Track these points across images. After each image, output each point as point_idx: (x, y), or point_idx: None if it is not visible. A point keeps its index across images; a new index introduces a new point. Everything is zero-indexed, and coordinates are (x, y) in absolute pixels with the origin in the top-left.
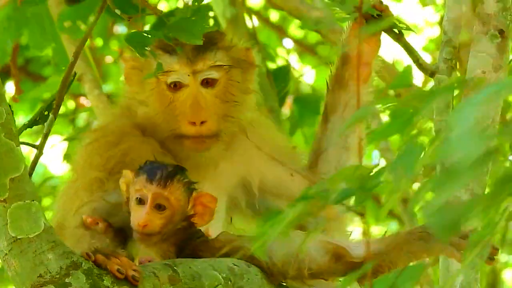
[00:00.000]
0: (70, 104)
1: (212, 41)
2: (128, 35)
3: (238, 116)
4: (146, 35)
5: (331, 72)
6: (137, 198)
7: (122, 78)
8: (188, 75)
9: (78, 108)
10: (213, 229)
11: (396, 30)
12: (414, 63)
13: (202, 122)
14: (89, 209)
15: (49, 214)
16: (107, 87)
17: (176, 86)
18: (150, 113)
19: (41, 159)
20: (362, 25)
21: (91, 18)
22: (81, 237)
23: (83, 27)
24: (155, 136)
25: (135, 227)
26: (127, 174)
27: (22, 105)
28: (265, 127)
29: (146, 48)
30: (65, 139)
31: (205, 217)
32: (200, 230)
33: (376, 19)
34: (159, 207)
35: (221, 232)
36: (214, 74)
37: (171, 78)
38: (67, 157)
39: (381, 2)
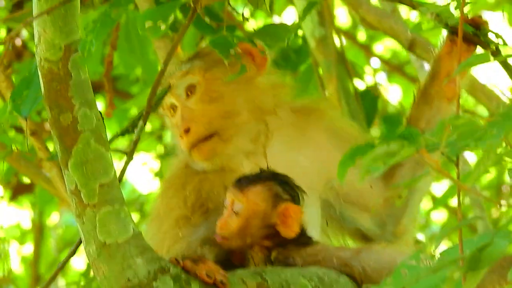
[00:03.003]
0: (157, 122)
1: (189, 57)
2: (214, 39)
3: (236, 107)
4: (231, 39)
5: (419, 86)
6: (224, 203)
7: None
8: (168, 94)
9: (165, 125)
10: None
11: (493, 47)
12: None
13: (186, 131)
14: (184, 246)
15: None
16: None
17: (174, 111)
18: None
19: (129, 178)
20: (456, 44)
21: (171, 18)
22: None
23: (163, 27)
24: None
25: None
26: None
27: (109, 121)
28: (334, 119)
29: (230, 51)
30: (157, 157)
31: (291, 227)
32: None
33: (473, 36)
34: (236, 211)
35: (317, 241)
36: (187, 81)
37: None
38: (160, 174)
39: (480, 17)
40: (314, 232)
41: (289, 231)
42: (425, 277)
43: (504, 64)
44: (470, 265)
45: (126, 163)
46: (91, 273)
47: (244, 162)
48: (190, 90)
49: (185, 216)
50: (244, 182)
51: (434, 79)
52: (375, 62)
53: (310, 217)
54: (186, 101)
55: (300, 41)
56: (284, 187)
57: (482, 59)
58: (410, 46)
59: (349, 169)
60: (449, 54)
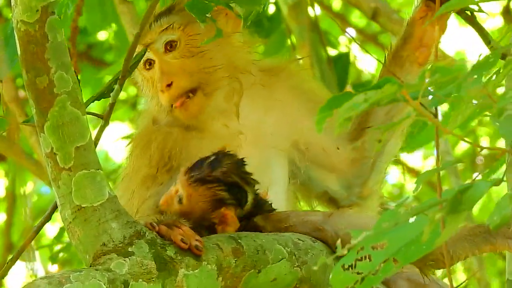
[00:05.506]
0: (131, 90)
1: (165, 11)
2: (189, 3)
3: (215, 63)
4: (207, 2)
5: (390, 48)
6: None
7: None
8: (148, 50)
9: (140, 94)
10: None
11: (468, 12)
12: (486, 46)
13: (168, 86)
14: (150, 205)
15: None
16: None
17: (150, 66)
18: (151, 105)
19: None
20: (431, 10)
21: None
22: None
23: None
24: (173, 124)
25: None
26: None
27: (84, 89)
28: (303, 79)
29: (207, 15)
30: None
31: (227, 228)
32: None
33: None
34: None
35: (289, 210)
36: (167, 37)
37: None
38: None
39: None
40: (280, 194)
41: (225, 230)
42: (404, 221)
43: (479, 29)
44: (451, 207)
45: (102, 127)
46: (63, 237)
47: (213, 121)
48: (170, 45)
49: (151, 175)
50: (194, 175)
51: (406, 42)
52: (350, 31)
53: (276, 179)
54: (165, 55)
55: (272, 6)
56: (231, 191)
57: (464, 2)
58: (373, 16)
59: (312, 123)
60: (423, 19)
